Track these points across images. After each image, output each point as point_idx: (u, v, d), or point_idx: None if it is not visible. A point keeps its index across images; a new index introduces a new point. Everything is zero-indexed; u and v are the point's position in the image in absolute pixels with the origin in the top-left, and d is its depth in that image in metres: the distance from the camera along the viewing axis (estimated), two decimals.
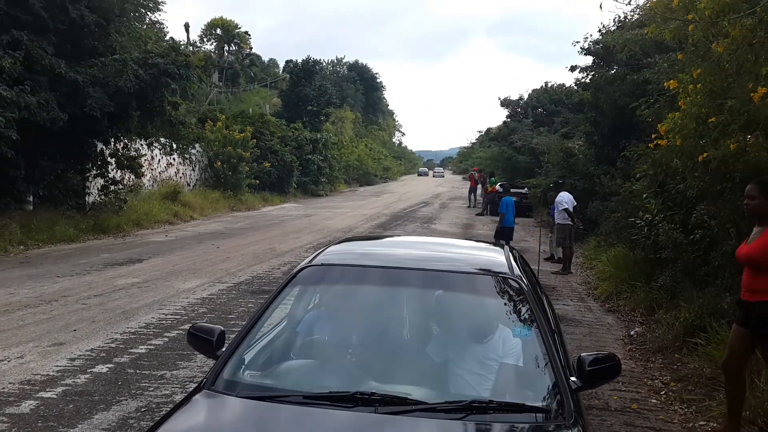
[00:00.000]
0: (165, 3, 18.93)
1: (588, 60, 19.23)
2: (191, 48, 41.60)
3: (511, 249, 4.02)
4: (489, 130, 60.48)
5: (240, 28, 61.24)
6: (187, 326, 7.25)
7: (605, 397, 5.41)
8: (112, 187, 17.25)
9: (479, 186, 30.43)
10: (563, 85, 40.44)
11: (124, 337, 6.77)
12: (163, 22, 33.00)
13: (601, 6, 5.43)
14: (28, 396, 5.06)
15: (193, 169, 26.55)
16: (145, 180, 20.88)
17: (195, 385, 2.86)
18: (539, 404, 2.63)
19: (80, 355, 6.12)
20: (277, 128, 33.30)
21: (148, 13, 19.27)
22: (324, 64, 72.00)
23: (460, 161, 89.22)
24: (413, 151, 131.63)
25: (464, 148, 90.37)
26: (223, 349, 2.94)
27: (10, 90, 12.19)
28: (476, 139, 72.76)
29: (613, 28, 16.54)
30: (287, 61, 52.95)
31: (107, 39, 15.85)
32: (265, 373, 2.92)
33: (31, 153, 13.79)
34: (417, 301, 3.31)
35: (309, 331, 3.27)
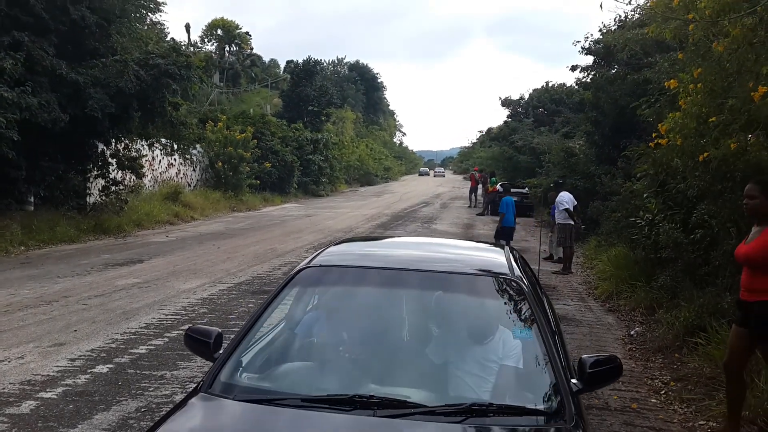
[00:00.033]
0: (166, 4, 18.90)
1: (589, 59, 19.24)
2: (192, 49, 41.62)
3: (512, 249, 4.00)
4: (490, 129, 60.49)
5: (241, 28, 61.34)
6: (187, 326, 7.26)
7: (605, 397, 5.41)
8: (113, 188, 17.27)
9: (480, 186, 30.42)
10: (564, 84, 40.45)
11: (125, 338, 6.78)
12: (163, 22, 33.07)
13: (601, 6, 5.43)
14: (29, 396, 5.06)
15: (194, 170, 26.57)
16: (145, 180, 20.91)
17: (191, 388, 2.84)
18: (540, 407, 2.59)
19: (80, 356, 6.12)
20: (278, 128, 33.31)
21: (149, 14, 19.30)
22: (325, 64, 72.06)
23: (461, 161, 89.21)
24: (414, 151, 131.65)
25: (465, 148, 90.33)
26: (221, 352, 2.91)
27: (11, 91, 12.21)
28: (477, 139, 72.78)
29: (613, 28, 16.53)
30: (288, 62, 53.08)
31: (108, 40, 15.87)
32: (263, 376, 2.89)
33: (32, 154, 13.80)
34: (416, 303, 3.29)
35: (307, 333, 3.24)
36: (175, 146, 19.70)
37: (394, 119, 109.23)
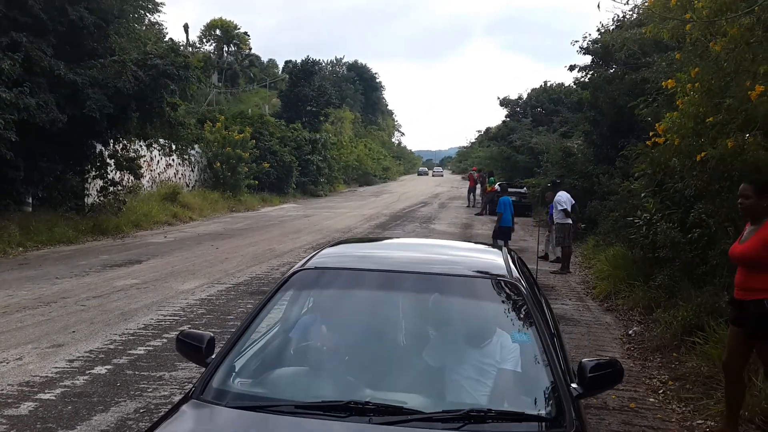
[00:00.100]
0: (164, 4, 18.95)
1: (587, 59, 19.24)
2: (190, 49, 41.60)
3: (509, 251, 3.97)
4: (488, 129, 60.41)
5: (239, 28, 61.21)
6: (186, 327, 7.27)
7: (603, 396, 5.41)
8: (111, 189, 17.25)
9: (478, 185, 30.43)
10: (562, 84, 40.44)
11: (123, 339, 6.78)
12: (162, 23, 33.02)
13: (599, 6, 5.45)
14: (27, 397, 5.06)
15: (192, 170, 26.56)
16: (144, 181, 20.89)
17: (183, 394, 2.78)
18: (539, 412, 2.54)
19: (79, 357, 6.12)
20: (277, 129, 33.30)
21: (148, 14, 19.26)
22: (323, 64, 72.04)
23: (460, 161, 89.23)
24: (412, 151, 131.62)
25: (463, 147, 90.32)
26: (213, 356, 2.85)
27: (9, 92, 12.20)
28: (475, 139, 72.66)
29: (611, 28, 16.53)
30: (286, 62, 52.99)
31: (106, 40, 15.86)
32: (256, 381, 2.83)
33: (31, 154, 13.79)
34: (413, 306, 3.24)
35: (302, 337, 3.19)
36: (174, 147, 19.69)
37: (393, 119, 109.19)
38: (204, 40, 59.73)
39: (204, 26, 60.71)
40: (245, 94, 55.87)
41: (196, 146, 24.31)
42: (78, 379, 5.49)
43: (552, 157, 20.20)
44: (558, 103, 37.81)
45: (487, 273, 3.32)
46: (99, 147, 16.59)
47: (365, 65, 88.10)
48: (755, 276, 4.29)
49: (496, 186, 22.68)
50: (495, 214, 14.54)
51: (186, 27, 44.86)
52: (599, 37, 17.53)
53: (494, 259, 3.64)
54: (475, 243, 4.99)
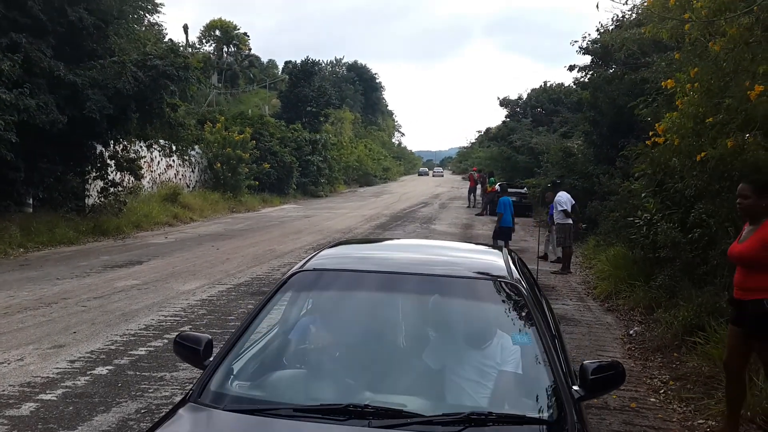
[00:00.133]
0: (163, 5, 18.93)
1: (586, 59, 19.24)
2: (190, 49, 41.60)
3: (510, 251, 3.94)
4: (488, 129, 60.42)
5: (239, 29, 61.21)
6: (186, 328, 7.29)
7: (604, 396, 5.41)
8: (112, 189, 17.26)
9: (479, 186, 30.44)
10: (562, 84, 40.45)
11: (124, 339, 6.78)
12: (161, 23, 33.03)
13: (597, 6, 5.45)
14: (28, 398, 5.07)
15: (193, 171, 26.57)
16: (144, 182, 20.91)
17: (182, 396, 2.74)
18: (540, 415, 2.50)
19: (80, 357, 6.13)
20: (277, 129, 33.32)
21: (147, 15, 19.26)
22: (323, 64, 72.06)
23: (460, 161, 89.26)
24: (413, 151, 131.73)
25: (464, 148, 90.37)
26: (211, 359, 2.82)
27: (9, 93, 12.21)
28: (476, 139, 72.69)
29: (611, 28, 16.54)
30: (286, 62, 53.08)
31: (106, 41, 15.87)
32: (255, 384, 2.80)
33: (31, 155, 13.80)
34: (413, 307, 3.21)
35: (300, 339, 3.16)
36: (174, 147, 19.70)
37: (393, 119, 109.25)
38: (203, 41, 59.80)
39: (203, 27, 60.79)
40: (245, 95, 55.88)
41: (196, 147, 24.32)
42: (79, 380, 5.50)
43: (552, 157, 20.20)
44: (558, 104, 37.81)
45: (487, 274, 3.29)
46: (99, 148, 16.60)
47: (365, 66, 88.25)
48: (754, 276, 4.30)
49: (497, 186, 22.68)
50: (495, 214, 14.54)
51: (185, 28, 44.82)
52: (599, 37, 17.53)
53: (494, 260, 3.61)
54: (476, 244, 4.97)
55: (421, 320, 3.17)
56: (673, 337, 6.81)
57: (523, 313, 2.97)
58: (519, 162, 31.07)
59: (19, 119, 12.36)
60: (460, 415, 2.42)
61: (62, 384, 5.40)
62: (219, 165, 26.24)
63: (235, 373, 2.77)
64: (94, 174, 16.82)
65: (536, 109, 42.07)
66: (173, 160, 23.87)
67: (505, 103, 45.91)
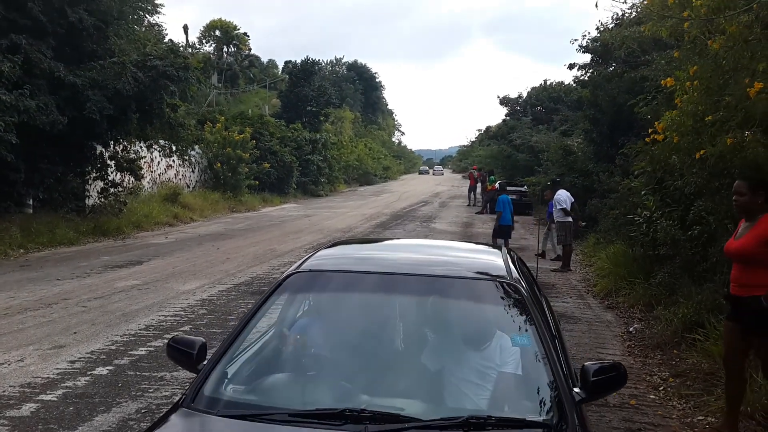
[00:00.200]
0: (163, 5, 18.96)
1: (586, 57, 19.24)
2: (190, 50, 41.59)
3: (509, 251, 3.91)
4: (488, 128, 60.33)
5: (239, 29, 61.20)
6: (187, 328, 7.30)
7: None
8: (112, 190, 17.28)
9: (479, 184, 30.43)
10: (562, 82, 40.38)
11: (124, 339, 6.79)
12: (161, 24, 32.99)
13: (597, 5, 5.44)
14: (29, 399, 5.07)
15: (193, 171, 26.58)
16: (144, 182, 20.91)
17: (173, 402, 2.69)
18: (540, 418, 2.46)
19: (80, 358, 6.14)
20: (277, 129, 33.33)
21: (147, 15, 19.29)
22: (323, 64, 72.02)
23: (460, 160, 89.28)
24: (413, 150, 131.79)
25: (464, 146, 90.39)
26: (205, 363, 2.77)
27: (9, 94, 12.22)
28: (476, 138, 72.58)
29: (611, 26, 16.53)
30: (286, 62, 53.12)
31: (106, 42, 15.88)
32: (249, 388, 2.74)
33: (31, 156, 13.81)
34: (411, 308, 3.16)
35: (296, 343, 3.11)
36: (174, 147, 19.71)
37: (393, 119, 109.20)
38: (203, 41, 59.78)
39: (203, 27, 60.76)
40: (245, 95, 55.87)
41: (196, 147, 24.33)
42: (79, 380, 5.51)
43: (552, 155, 20.21)
44: (558, 102, 37.78)
45: (486, 274, 3.25)
46: (99, 148, 16.62)
47: (365, 65, 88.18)
48: (750, 272, 4.32)
49: (497, 185, 22.68)
50: (495, 212, 14.55)
51: (185, 28, 44.79)
52: (599, 35, 17.52)
53: (494, 259, 3.57)
54: (475, 243, 4.95)
55: (419, 321, 3.12)
56: (672, 334, 6.82)
57: (523, 314, 2.93)
58: (519, 160, 31.07)
59: (20, 120, 12.37)
60: (458, 419, 2.38)
61: (62, 384, 5.41)
62: (219, 165, 26.25)
63: (229, 376, 2.73)
64: (94, 174, 16.83)
65: (536, 108, 42.01)
66: (173, 161, 23.87)
67: (505, 101, 45.86)
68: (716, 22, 5.78)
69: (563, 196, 12.45)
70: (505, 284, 3.09)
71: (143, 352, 6.34)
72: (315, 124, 40.46)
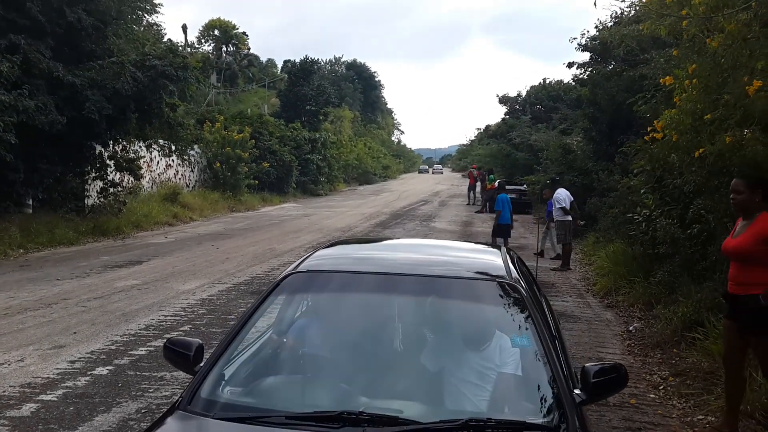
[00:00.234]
0: (162, 5, 18.91)
1: (585, 56, 19.30)
2: (189, 49, 41.61)
3: (509, 251, 3.89)
4: (488, 127, 60.32)
5: (237, 28, 61.19)
6: (187, 327, 7.31)
7: None
8: (111, 190, 17.28)
9: (478, 183, 30.45)
10: (561, 81, 40.36)
11: (124, 339, 6.79)
12: (160, 24, 32.96)
13: (595, 4, 5.44)
14: (29, 399, 5.08)
15: (192, 171, 26.57)
16: (144, 182, 20.92)
17: (169, 405, 2.66)
18: (540, 420, 2.43)
19: (80, 358, 6.14)
20: (276, 128, 33.32)
21: (145, 15, 19.27)
22: (322, 63, 71.95)
23: (459, 159, 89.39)
24: (412, 149, 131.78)
25: (463, 145, 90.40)
26: (201, 365, 2.74)
27: (8, 94, 12.22)
28: (475, 137, 72.62)
29: (609, 24, 16.53)
30: (285, 61, 53.09)
31: (105, 42, 15.87)
32: (246, 391, 2.71)
33: (30, 156, 13.81)
34: (410, 309, 3.13)
35: (294, 344, 3.09)
36: (173, 147, 19.70)
37: (392, 118, 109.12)
38: (202, 41, 59.78)
39: (202, 27, 60.80)
40: (244, 94, 55.88)
41: (195, 146, 24.32)
42: (79, 380, 5.51)
43: (551, 154, 20.22)
44: (557, 100, 37.78)
45: (485, 274, 3.23)
46: (98, 148, 16.61)
47: (364, 64, 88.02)
48: (748, 270, 4.33)
49: (496, 183, 22.71)
50: (494, 211, 14.55)
51: (184, 27, 44.90)
52: (597, 34, 17.54)
53: (493, 259, 3.55)
54: (474, 243, 4.92)
55: (418, 322, 3.10)
56: (672, 333, 6.82)
57: (522, 314, 2.90)
58: (518, 159, 31.09)
59: (19, 120, 12.37)
60: (458, 421, 2.35)
61: (63, 384, 5.41)
62: (218, 164, 26.25)
63: (226, 378, 2.70)
64: (93, 174, 16.83)
65: (535, 106, 42.02)
66: (173, 160, 23.86)
67: (504, 100, 45.87)
68: (715, 20, 5.78)
69: (562, 195, 12.46)
70: (504, 284, 3.07)
71: (143, 352, 6.34)
72: (314, 124, 40.45)
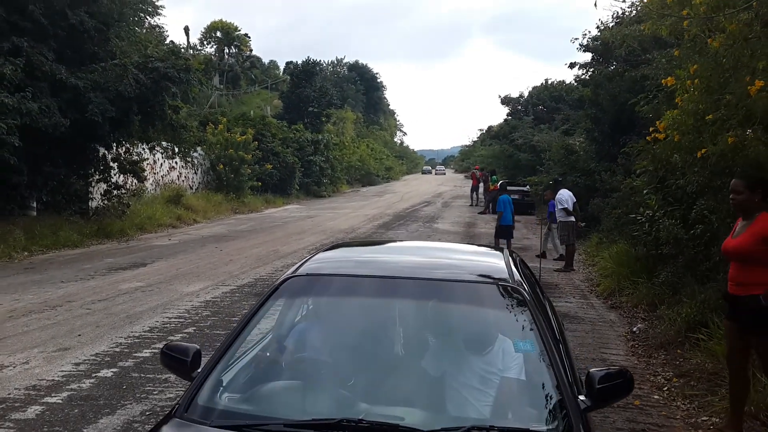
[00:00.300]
0: (164, 7, 19.02)
1: (587, 56, 19.25)
2: (191, 51, 41.63)
3: (512, 253, 3.86)
4: (490, 128, 60.36)
5: (240, 30, 61.25)
6: (191, 329, 7.32)
7: None
8: (115, 192, 17.32)
9: (481, 184, 30.44)
10: (563, 82, 40.40)
11: (129, 342, 6.81)
12: (162, 26, 33.02)
13: (596, 4, 5.44)
14: (34, 401, 5.09)
15: (196, 173, 26.62)
16: (147, 184, 20.96)
17: (167, 412, 2.62)
18: (545, 427, 2.38)
19: (85, 360, 6.16)
20: (279, 130, 33.36)
21: (148, 17, 19.37)
22: (324, 65, 72.00)
23: (462, 160, 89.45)
24: (415, 150, 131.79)
25: (466, 146, 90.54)
26: (199, 370, 2.68)
27: (11, 97, 12.26)
28: (478, 138, 72.66)
29: (611, 25, 16.53)
30: (287, 63, 53.06)
31: (107, 44, 15.92)
32: (244, 397, 2.66)
33: (34, 159, 13.85)
34: (411, 313, 3.07)
35: (293, 349, 3.04)
36: (176, 149, 19.73)
37: (395, 119, 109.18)
38: (205, 43, 59.84)
39: (204, 28, 60.81)
40: (247, 96, 55.92)
41: (198, 149, 24.38)
42: (84, 383, 5.53)
43: (554, 154, 20.20)
44: (559, 101, 37.78)
45: (488, 277, 3.19)
46: (102, 150, 16.66)
47: (366, 65, 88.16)
48: (748, 270, 4.33)
49: (499, 184, 22.67)
50: (497, 212, 14.55)
51: (186, 29, 44.81)
52: (599, 34, 17.52)
53: (496, 262, 3.50)
54: (477, 246, 4.90)
55: (419, 326, 3.05)
56: (676, 333, 6.81)
57: (525, 318, 2.84)
58: (521, 160, 31.07)
59: (22, 123, 12.41)
60: (460, 429, 2.30)
61: (67, 387, 5.43)
62: (222, 166, 26.29)
63: (224, 385, 2.65)
64: (97, 177, 16.88)
65: (538, 107, 42.03)
66: (176, 162, 23.91)
67: (506, 101, 45.89)
68: (716, 20, 5.78)
69: (565, 196, 12.44)
70: (507, 287, 3.03)
71: (147, 354, 6.35)
72: (317, 125, 40.50)
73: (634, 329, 7.71)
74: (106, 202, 17.13)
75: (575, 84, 25.59)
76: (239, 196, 26.45)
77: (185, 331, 7.25)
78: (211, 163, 26.99)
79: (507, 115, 46.57)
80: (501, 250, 3.99)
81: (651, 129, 7.41)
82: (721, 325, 5.99)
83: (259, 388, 2.73)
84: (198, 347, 2.84)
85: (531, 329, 2.76)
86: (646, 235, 8.79)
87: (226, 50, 61.09)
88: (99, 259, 12.63)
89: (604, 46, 16.59)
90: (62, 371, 5.82)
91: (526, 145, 30.31)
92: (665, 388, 5.68)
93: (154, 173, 22.75)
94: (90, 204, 16.93)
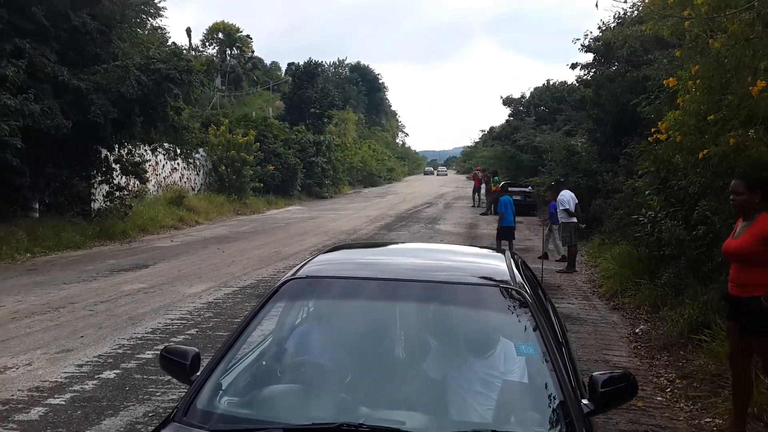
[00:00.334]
0: (166, 9, 19.04)
1: (589, 57, 19.27)
2: (193, 53, 41.68)
3: (513, 254, 3.84)
4: (492, 129, 60.31)
5: (241, 31, 61.24)
6: (193, 331, 7.33)
7: None
8: (117, 193, 17.33)
9: (483, 185, 30.42)
10: (565, 82, 40.33)
11: (131, 343, 6.82)
12: (164, 27, 33.11)
13: (597, 5, 5.44)
14: (37, 403, 5.10)
15: (198, 174, 26.64)
16: (149, 185, 20.96)
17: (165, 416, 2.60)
18: None
19: (88, 361, 6.16)
20: (281, 131, 33.38)
21: (150, 19, 19.33)
22: (326, 66, 72.04)
23: (464, 160, 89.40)
24: (417, 151, 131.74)
25: (468, 147, 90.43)
26: (198, 374, 2.66)
27: (14, 98, 12.28)
28: (479, 139, 72.65)
29: (612, 25, 16.53)
30: (289, 64, 53.13)
31: (109, 45, 15.94)
32: (244, 401, 2.63)
33: (36, 161, 13.87)
34: (412, 316, 3.05)
35: (293, 352, 3.02)
36: (178, 151, 19.73)
37: (396, 120, 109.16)
38: (206, 44, 59.80)
39: (206, 30, 60.78)
40: (249, 97, 55.93)
41: (200, 150, 24.37)
42: (87, 384, 5.54)
43: (556, 155, 20.19)
44: (561, 102, 37.73)
45: (490, 279, 3.17)
46: (104, 152, 16.67)
47: (368, 66, 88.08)
48: (749, 271, 4.32)
49: (500, 185, 22.65)
50: (498, 214, 14.54)
51: (188, 31, 44.85)
52: (600, 34, 17.52)
53: (497, 264, 3.47)
54: (478, 247, 4.88)
55: (421, 329, 3.02)
56: (679, 335, 6.80)
57: (528, 321, 2.81)
58: (523, 161, 31.05)
59: (24, 124, 12.43)
60: None
61: (70, 388, 5.44)
62: (224, 167, 26.31)
63: (223, 388, 2.63)
64: (99, 178, 16.89)
65: (539, 108, 41.99)
66: (178, 164, 23.92)
67: (508, 101, 45.84)
68: (717, 20, 5.79)
69: (566, 197, 12.43)
70: (509, 290, 3.00)
71: (150, 356, 6.36)
72: (319, 126, 40.52)
73: (637, 330, 7.70)
74: (108, 203, 17.15)
75: (577, 84, 25.60)
76: (241, 198, 26.47)
77: (187, 332, 7.25)
78: (213, 165, 27.01)
79: (509, 116, 46.54)
80: (503, 252, 3.95)
81: (653, 130, 7.41)
82: (723, 326, 5.98)
83: (259, 391, 2.71)
84: (197, 350, 2.81)
85: (533, 332, 2.74)
86: (648, 236, 8.78)
87: (228, 51, 61.09)
88: (101, 260, 12.64)
89: (606, 46, 16.60)
90: (65, 373, 5.84)
91: (527, 146, 30.30)
92: (668, 390, 5.67)
93: (156, 175, 22.77)
94: (92, 205, 16.95)
